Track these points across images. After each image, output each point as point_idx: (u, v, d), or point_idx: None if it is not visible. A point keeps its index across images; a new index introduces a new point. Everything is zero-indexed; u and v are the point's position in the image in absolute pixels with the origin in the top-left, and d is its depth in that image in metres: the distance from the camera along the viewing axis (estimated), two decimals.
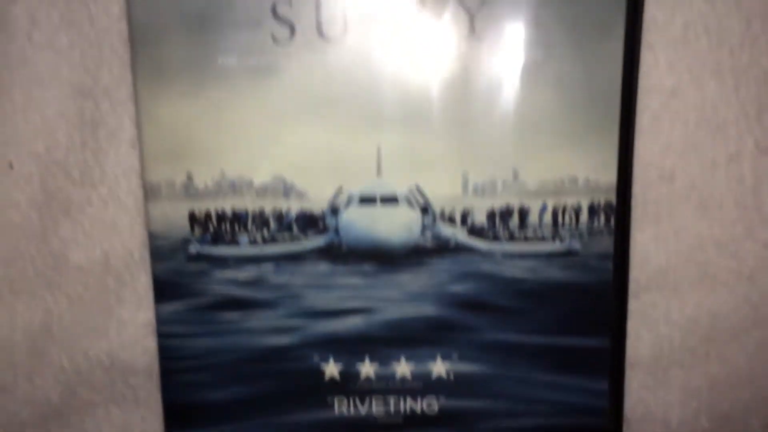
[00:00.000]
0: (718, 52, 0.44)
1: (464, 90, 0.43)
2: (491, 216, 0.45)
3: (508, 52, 0.43)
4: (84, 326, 0.49)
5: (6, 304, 0.49)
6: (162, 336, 0.47)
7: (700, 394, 0.49)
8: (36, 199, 0.47)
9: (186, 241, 0.46)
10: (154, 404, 0.49)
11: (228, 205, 0.45)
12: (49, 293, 0.49)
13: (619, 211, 0.45)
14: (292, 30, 0.43)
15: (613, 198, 0.45)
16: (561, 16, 0.42)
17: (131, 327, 0.49)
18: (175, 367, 0.48)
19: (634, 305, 0.48)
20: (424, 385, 0.48)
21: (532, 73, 0.43)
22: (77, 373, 0.50)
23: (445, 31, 0.42)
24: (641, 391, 0.49)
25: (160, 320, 0.47)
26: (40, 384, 0.50)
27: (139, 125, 0.45)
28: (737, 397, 0.49)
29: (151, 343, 0.49)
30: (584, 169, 0.44)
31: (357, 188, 0.45)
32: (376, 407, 0.48)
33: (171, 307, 0.47)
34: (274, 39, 0.43)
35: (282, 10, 0.42)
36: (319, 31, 0.43)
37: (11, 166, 0.47)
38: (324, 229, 0.46)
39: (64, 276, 0.49)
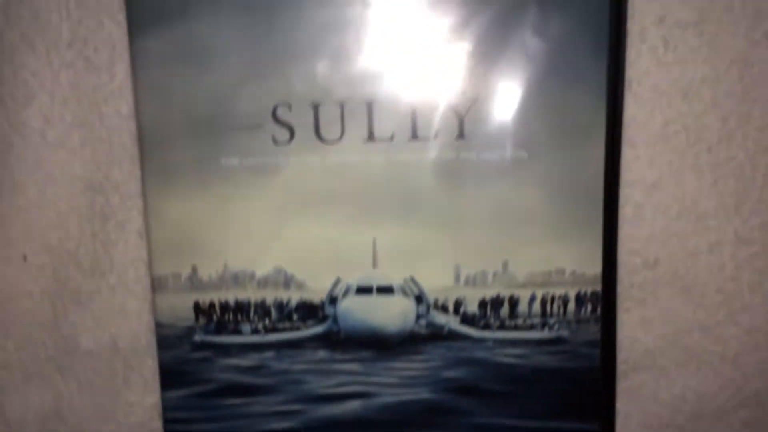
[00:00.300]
0: (696, 148, 0.45)
1: (455, 187, 0.44)
2: (483, 305, 0.46)
3: (496, 151, 0.44)
4: (93, 409, 0.50)
5: (18, 388, 0.50)
6: (168, 421, 0.48)
7: None
8: (48, 288, 0.48)
9: (191, 330, 0.47)
10: None
11: (231, 296, 0.46)
12: (59, 377, 0.50)
13: (605, 299, 0.45)
14: (292, 132, 0.44)
15: (598, 288, 0.45)
16: (544, 117, 0.43)
17: (138, 410, 0.49)
18: None
19: (623, 384, 0.48)
20: None
21: (518, 170, 0.44)
22: None
23: (436, 132, 0.44)
24: None
25: (166, 406, 0.48)
26: None
27: (146, 219, 0.46)
28: None
29: (157, 426, 0.49)
30: (571, 262, 0.45)
31: (354, 279, 0.46)
32: None
33: (176, 393, 0.47)
34: (275, 141, 0.44)
35: (282, 114, 0.43)
36: (317, 134, 0.44)
37: (25, 259, 0.48)
38: (323, 318, 0.47)
39: (74, 360, 0.49)
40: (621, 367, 0.48)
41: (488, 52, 0.43)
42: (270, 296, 0.46)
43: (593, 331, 0.46)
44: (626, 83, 0.44)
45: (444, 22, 0.42)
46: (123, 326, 0.49)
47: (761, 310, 0.47)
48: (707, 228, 0.46)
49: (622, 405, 0.48)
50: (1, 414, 0.50)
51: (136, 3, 0.43)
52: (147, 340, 0.48)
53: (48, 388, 0.50)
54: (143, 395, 0.49)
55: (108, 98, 0.45)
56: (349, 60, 0.43)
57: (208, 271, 0.46)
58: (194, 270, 0.46)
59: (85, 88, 0.45)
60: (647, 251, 0.46)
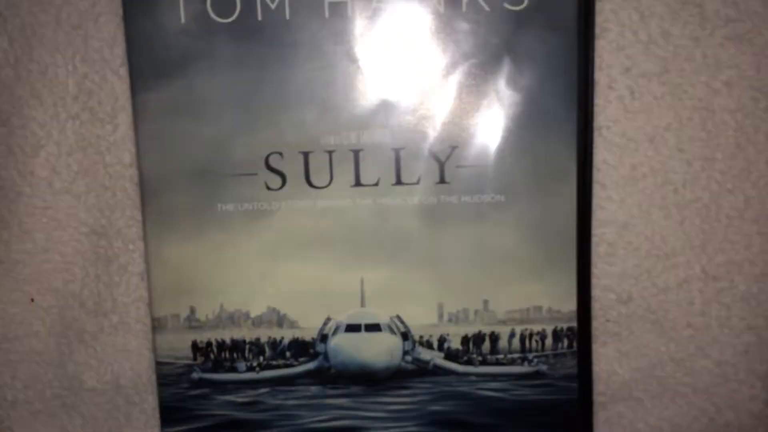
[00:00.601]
0: (663, 190, 0.45)
1: (438, 229, 0.44)
2: (465, 341, 0.46)
3: (475, 195, 0.44)
4: None
5: (26, 424, 0.50)
6: None
7: None
8: (54, 328, 0.48)
9: (189, 368, 0.47)
10: None
11: (227, 335, 0.46)
12: (65, 413, 0.49)
13: (580, 334, 0.45)
14: (284, 179, 0.44)
15: (574, 324, 0.45)
16: (520, 162, 0.43)
17: None
18: None
19: (602, 416, 0.48)
20: None
21: (496, 213, 0.44)
22: None
23: (419, 177, 0.44)
24: None
25: None
26: None
27: (147, 262, 0.46)
28: None
29: None
30: (547, 300, 0.45)
31: (343, 317, 0.46)
32: None
33: (176, 429, 0.47)
34: (268, 187, 0.44)
35: (274, 162, 0.44)
36: (308, 180, 0.44)
37: (32, 301, 0.48)
38: (314, 355, 0.46)
39: (78, 397, 0.49)
40: (599, 399, 0.47)
41: (466, 102, 0.43)
42: (264, 335, 0.46)
43: (570, 365, 0.46)
44: (596, 130, 0.44)
45: (425, 75, 0.43)
46: (125, 364, 0.48)
47: (729, 344, 0.46)
48: (676, 265, 0.46)
49: None
50: None
51: (137, 58, 0.43)
52: (148, 377, 0.48)
53: (54, 425, 0.50)
54: (144, 431, 0.49)
55: (111, 148, 0.46)
56: (336, 111, 0.43)
57: (205, 312, 0.46)
58: (192, 310, 0.46)
59: (90, 138, 0.46)
60: (620, 288, 0.46)
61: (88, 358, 0.49)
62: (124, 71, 0.44)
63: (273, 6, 0.42)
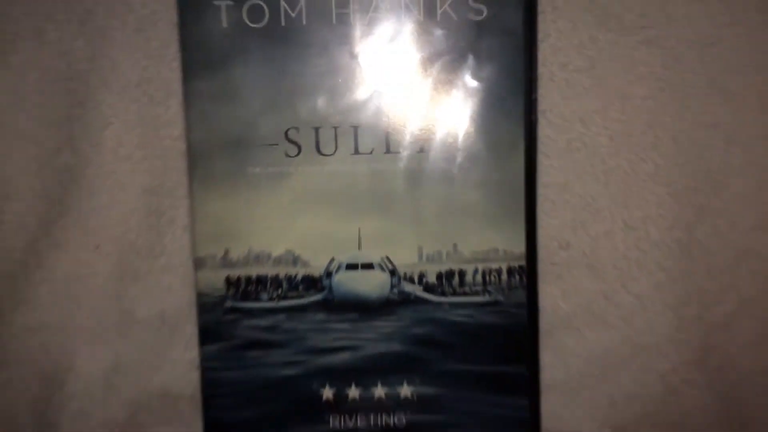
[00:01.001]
0: (592, 159, 0.50)
1: (418, 189, 0.50)
2: (439, 277, 0.51)
3: (447, 162, 0.50)
4: (145, 365, 0.53)
5: (88, 349, 0.53)
6: (204, 370, 0.51)
7: (602, 409, 0.53)
8: (113, 270, 0.52)
9: (223, 298, 0.51)
10: (196, 424, 0.52)
11: (253, 271, 0.50)
12: (119, 340, 0.53)
13: (528, 271, 0.50)
14: (299, 149, 0.49)
15: (524, 263, 0.50)
16: (481, 137, 0.49)
17: (180, 365, 0.53)
18: (213, 394, 0.52)
19: (548, 342, 0.52)
20: (395, 404, 0.52)
21: (464, 176, 0.50)
22: (139, 401, 0.53)
23: (404, 148, 0.49)
24: (556, 408, 0.53)
25: (203, 358, 0.51)
26: (111, 410, 0.53)
27: (192, 216, 0.50)
28: (630, 411, 0.53)
29: (195, 377, 0.52)
30: (503, 243, 0.50)
31: (344, 258, 0.50)
32: (360, 422, 0.52)
33: (211, 348, 0.51)
34: (287, 155, 0.49)
35: (292, 135, 0.49)
36: (318, 150, 0.49)
37: (97, 248, 0.52)
38: (321, 288, 0.51)
39: (131, 327, 0.52)
40: (545, 327, 0.52)
41: (440, 90, 0.49)
42: (282, 272, 0.50)
43: (520, 295, 0.51)
44: (540, 112, 0.49)
45: (409, 68, 0.48)
46: (170, 299, 0.52)
47: (645, 281, 0.52)
48: (603, 219, 0.51)
49: (548, 357, 0.52)
50: (73, 370, 0.53)
51: (188, 55, 0.48)
52: (188, 310, 0.51)
53: (109, 349, 0.53)
54: (184, 353, 0.53)
55: (164, 125, 0.50)
56: (340, 96, 0.48)
57: (237, 253, 0.50)
58: (226, 252, 0.50)
59: (147, 117, 0.50)
60: (561, 237, 0.51)
61: (139, 294, 0.52)
62: (176, 65, 0.49)
63: (293, 15, 0.47)
